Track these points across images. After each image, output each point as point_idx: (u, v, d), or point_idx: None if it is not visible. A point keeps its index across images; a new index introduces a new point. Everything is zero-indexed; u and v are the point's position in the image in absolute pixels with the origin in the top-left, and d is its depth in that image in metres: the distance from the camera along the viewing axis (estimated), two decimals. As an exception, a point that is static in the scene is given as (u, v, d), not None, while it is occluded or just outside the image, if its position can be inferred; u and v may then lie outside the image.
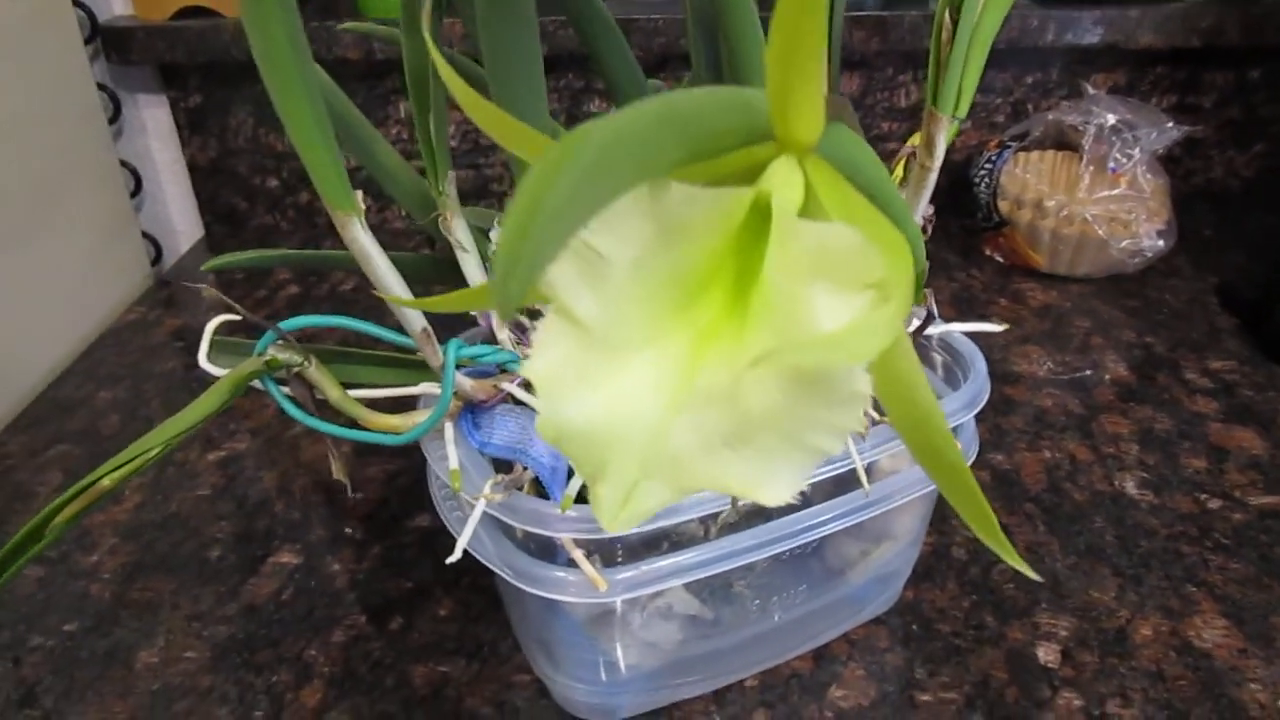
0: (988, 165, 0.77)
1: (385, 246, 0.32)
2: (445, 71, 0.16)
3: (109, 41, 0.74)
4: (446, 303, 0.23)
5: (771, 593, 0.38)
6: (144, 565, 0.48)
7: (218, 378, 0.38)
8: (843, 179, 0.17)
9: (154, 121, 0.81)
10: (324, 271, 0.77)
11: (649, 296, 0.16)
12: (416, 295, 0.34)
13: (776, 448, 0.16)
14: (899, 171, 0.38)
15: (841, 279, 0.15)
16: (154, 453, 0.35)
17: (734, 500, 0.33)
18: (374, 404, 0.37)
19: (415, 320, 0.33)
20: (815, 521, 0.34)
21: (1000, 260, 0.77)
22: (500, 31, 0.28)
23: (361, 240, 0.30)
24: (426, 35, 0.16)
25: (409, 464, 0.54)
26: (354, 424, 0.37)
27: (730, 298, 0.17)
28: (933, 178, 0.34)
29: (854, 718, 0.38)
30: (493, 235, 0.38)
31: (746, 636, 0.39)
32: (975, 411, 0.37)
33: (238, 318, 0.39)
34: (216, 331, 0.39)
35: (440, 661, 0.42)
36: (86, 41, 0.71)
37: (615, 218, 0.15)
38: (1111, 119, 0.74)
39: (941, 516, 0.48)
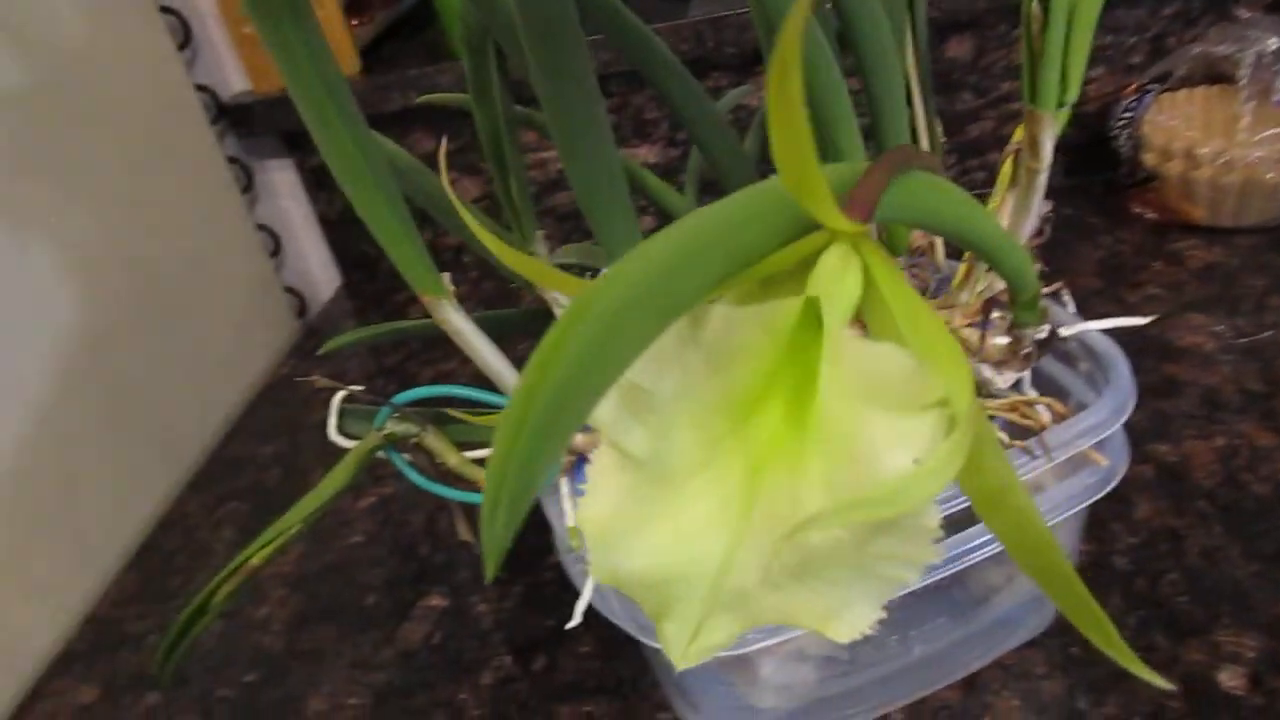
0: (1126, 114, 0.71)
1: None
2: (476, 229, 0.16)
3: (233, 117, 0.79)
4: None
5: (909, 626, 0.37)
6: (309, 615, 0.51)
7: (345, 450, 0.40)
8: (897, 270, 0.16)
9: (284, 184, 0.86)
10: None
11: (699, 424, 0.15)
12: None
13: (847, 580, 0.15)
14: (1007, 169, 0.35)
15: (896, 402, 0.13)
16: (294, 530, 0.37)
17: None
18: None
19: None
20: (961, 550, 0.32)
21: (1152, 218, 0.71)
22: (563, 105, 0.28)
23: (454, 321, 0.31)
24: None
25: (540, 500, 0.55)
26: (475, 486, 0.38)
27: (789, 407, 0.16)
28: (1043, 179, 0.32)
29: (1013, 751, 0.36)
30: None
31: (886, 672, 0.37)
32: (1117, 425, 0.34)
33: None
34: (345, 400, 0.40)
35: (584, 701, 0.42)
36: (213, 121, 0.76)
37: (654, 351, 0.14)
38: (1274, 43, 0.66)
39: (1099, 522, 0.45)
